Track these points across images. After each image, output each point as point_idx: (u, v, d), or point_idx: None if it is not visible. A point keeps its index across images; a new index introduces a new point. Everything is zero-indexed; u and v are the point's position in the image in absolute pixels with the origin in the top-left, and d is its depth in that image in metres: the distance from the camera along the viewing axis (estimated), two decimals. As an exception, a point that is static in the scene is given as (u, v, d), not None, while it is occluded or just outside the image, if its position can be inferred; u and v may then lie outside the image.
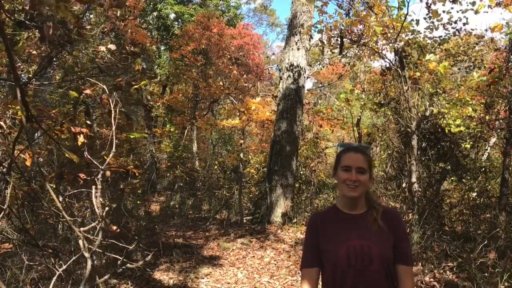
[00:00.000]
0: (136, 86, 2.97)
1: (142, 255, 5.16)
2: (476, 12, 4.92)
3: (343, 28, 5.64)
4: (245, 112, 10.62)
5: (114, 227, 3.20)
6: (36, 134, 4.38)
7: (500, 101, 5.73)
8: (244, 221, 7.69)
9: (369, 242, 1.57)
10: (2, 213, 2.27)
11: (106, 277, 2.85)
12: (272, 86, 17.72)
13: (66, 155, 2.55)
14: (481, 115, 5.95)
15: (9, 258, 4.08)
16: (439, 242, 4.79)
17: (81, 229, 2.48)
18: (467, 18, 5.95)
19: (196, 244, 6.29)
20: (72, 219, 2.49)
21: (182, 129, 13.78)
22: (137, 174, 3.40)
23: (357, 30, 5.72)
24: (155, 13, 15.28)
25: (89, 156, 2.71)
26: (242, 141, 11.28)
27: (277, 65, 16.33)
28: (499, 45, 7.42)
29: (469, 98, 5.49)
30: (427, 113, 5.93)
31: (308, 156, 9.46)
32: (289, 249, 5.85)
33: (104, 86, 2.79)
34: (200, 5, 16.20)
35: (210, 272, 5.00)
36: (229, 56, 13.52)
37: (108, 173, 2.73)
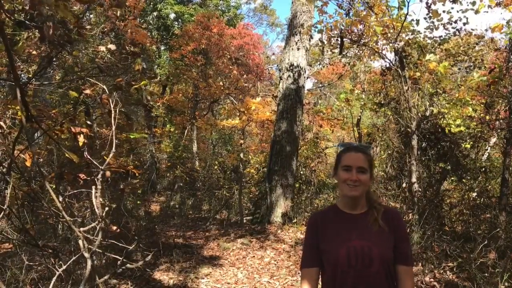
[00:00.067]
0: (136, 86, 2.96)
1: (142, 255, 5.16)
2: (476, 12, 4.92)
3: (343, 28, 5.64)
4: (245, 112, 10.61)
5: (114, 227, 3.20)
6: (36, 134, 4.38)
7: (500, 101, 5.73)
8: (244, 221, 7.69)
9: (370, 242, 1.57)
10: (2, 213, 2.27)
11: (106, 277, 2.85)
12: (272, 86, 17.73)
13: (66, 155, 2.55)
14: (481, 115, 5.95)
15: (9, 258, 4.08)
16: (439, 242, 4.79)
17: (81, 229, 2.48)
18: (467, 18, 5.96)
19: (196, 244, 6.29)
20: (72, 219, 2.49)
21: (182, 129, 13.78)
22: (137, 174, 3.40)
23: (357, 30, 5.72)
24: (155, 13, 15.29)
25: (89, 156, 2.70)
26: (242, 141, 11.26)
27: (277, 65, 16.34)
28: (499, 45, 7.43)
29: (469, 98, 5.48)
30: (427, 113, 5.92)
31: (308, 156, 9.45)
32: (289, 249, 5.85)
33: (104, 86, 2.79)
34: (200, 5, 16.20)
35: (210, 272, 5.00)
36: (229, 56, 13.53)
37: (108, 173, 2.73)
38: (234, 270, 5.10)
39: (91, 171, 2.87)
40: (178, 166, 10.81)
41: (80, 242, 2.42)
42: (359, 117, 12.67)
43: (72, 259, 2.73)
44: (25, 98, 2.12)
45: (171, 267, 5.06)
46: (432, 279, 4.14)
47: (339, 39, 5.81)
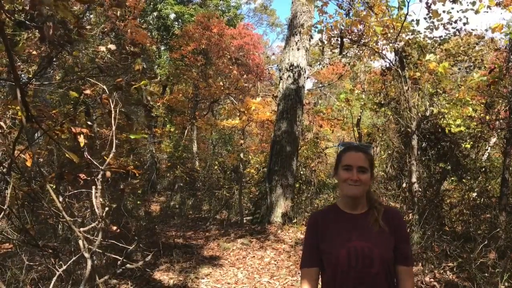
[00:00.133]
0: (136, 86, 2.96)
1: (142, 255, 5.16)
2: (476, 12, 4.92)
3: (343, 28, 5.64)
4: (245, 112, 10.62)
5: (114, 227, 3.19)
6: (36, 134, 4.38)
7: (500, 101, 5.73)
8: (244, 221, 7.69)
9: (370, 243, 1.56)
10: (2, 213, 2.26)
11: (106, 277, 2.85)
12: (272, 86, 17.73)
13: (66, 155, 2.54)
14: (481, 115, 5.95)
15: (9, 258, 4.08)
16: (439, 242, 4.79)
17: (81, 229, 2.48)
18: (467, 18, 5.95)
19: (196, 244, 6.29)
20: (72, 219, 2.49)
21: (182, 129, 13.79)
22: (137, 175, 3.39)
23: (357, 30, 5.72)
24: (155, 13, 15.30)
25: (89, 157, 2.70)
26: (242, 141, 11.28)
27: (277, 65, 16.34)
28: (499, 45, 7.43)
29: (469, 98, 5.48)
30: (427, 113, 5.92)
31: (308, 156, 9.45)
32: (289, 249, 5.84)
33: (104, 86, 2.79)
34: (200, 5, 16.20)
35: (210, 272, 5.00)
36: (229, 56, 13.53)
37: (108, 173, 2.72)
38: (234, 270, 5.10)
39: (91, 171, 2.87)
40: (178, 166, 10.81)
41: (80, 242, 2.42)
42: (359, 117, 12.66)
43: (72, 259, 2.73)
44: (25, 98, 2.11)
45: (171, 267, 5.06)
46: (432, 279, 4.14)
47: (339, 39, 5.81)
